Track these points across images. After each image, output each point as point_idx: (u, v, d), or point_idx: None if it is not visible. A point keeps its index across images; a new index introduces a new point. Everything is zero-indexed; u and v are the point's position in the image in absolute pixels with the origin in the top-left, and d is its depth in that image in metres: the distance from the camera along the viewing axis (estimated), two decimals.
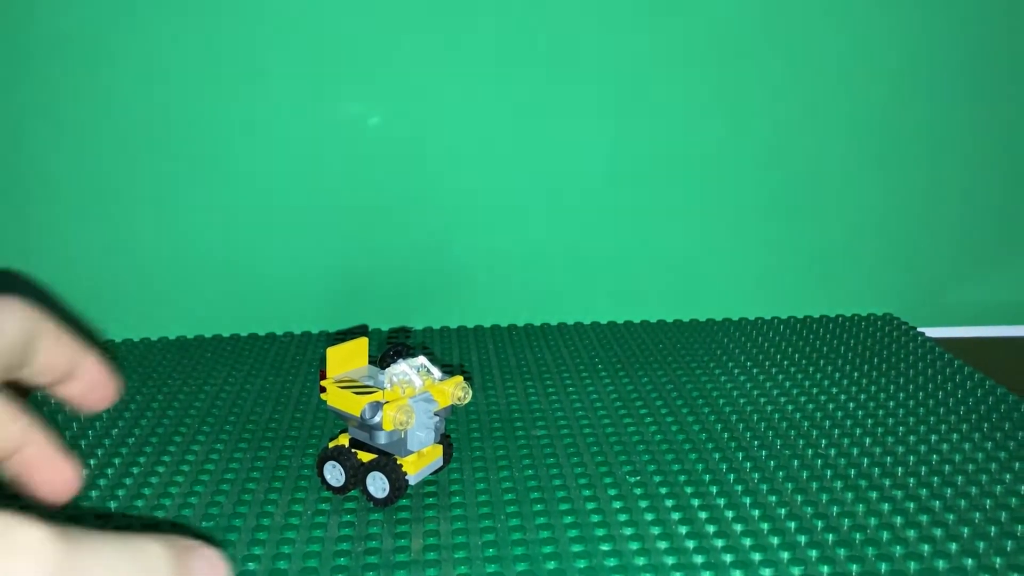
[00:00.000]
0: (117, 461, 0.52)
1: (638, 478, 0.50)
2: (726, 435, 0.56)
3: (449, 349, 0.71)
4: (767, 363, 0.68)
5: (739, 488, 0.49)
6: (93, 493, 0.49)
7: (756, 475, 0.50)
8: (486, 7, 0.71)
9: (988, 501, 0.48)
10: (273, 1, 0.69)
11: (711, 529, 0.45)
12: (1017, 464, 0.52)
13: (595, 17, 0.72)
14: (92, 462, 0.52)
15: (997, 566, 0.42)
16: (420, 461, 0.47)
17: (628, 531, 0.44)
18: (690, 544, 0.43)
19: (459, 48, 0.72)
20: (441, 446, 0.49)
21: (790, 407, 0.60)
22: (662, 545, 0.43)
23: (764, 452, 0.53)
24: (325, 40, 0.70)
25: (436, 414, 0.47)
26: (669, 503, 0.47)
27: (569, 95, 0.73)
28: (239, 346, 0.72)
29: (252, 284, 0.75)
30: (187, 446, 0.55)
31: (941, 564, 0.42)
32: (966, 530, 0.45)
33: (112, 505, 0.47)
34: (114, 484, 0.50)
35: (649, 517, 0.46)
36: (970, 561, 0.42)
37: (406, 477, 0.46)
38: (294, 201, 0.73)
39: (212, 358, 0.69)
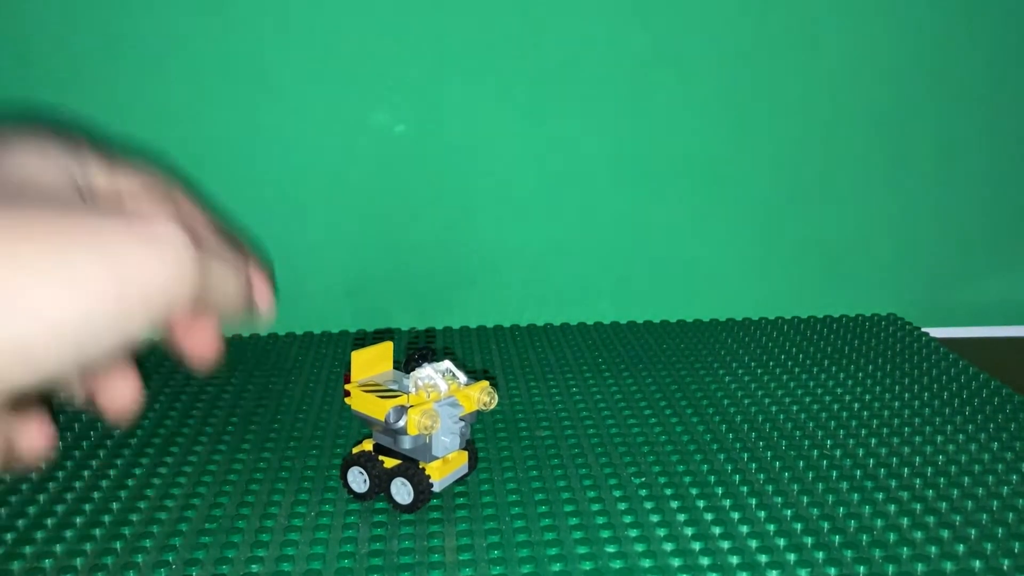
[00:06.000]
0: (120, 462, 0.52)
1: (643, 479, 0.50)
2: (731, 436, 0.55)
3: (452, 350, 0.71)
4: (771, 363, 0.68)
5: (745, 489, 0.49)
6: (96, 494, 0.48)
7: (762, 476, 0.50)
8: (490, 9, 0.70)
9: (995, 502, 0.47)
10: (289, 9, 0.69)
11: (717, 531, 0.44)
12: (1023, 465, 0.52)
13: (599, 17, 0.71)
14: (94, 463, 0.52)
15: (1005, 568, 0.42)
16: (445, 467, 0.47)
17: (633, 533, 0.44)
18: (696, 546, 0.43)
19: (463, 51, 0.71)
20: (466, 452, 0.48)
21: (795, 408, 0.60)
22: (668, 547, 0.43)
23: (769, 453, 0.53)
24: (339, 43, 0.70)
25: (461, 419, 0.46)
26: (675, 504, 0.47)
27: (572, 96, 0.73)
28: (241, 346, 0.72)
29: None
30: (189, 447, 0.54)
31: (948, 566, 0.41)
32: (973, 531, 0.44)
33: (115, 506, 0.47)
34: (117, 485, 0.49)
35: (655, 519, 0.46)
36: (978, 563, 0.42)
37: (431, 483, 0.46)
38: (293, 202, 0.73)
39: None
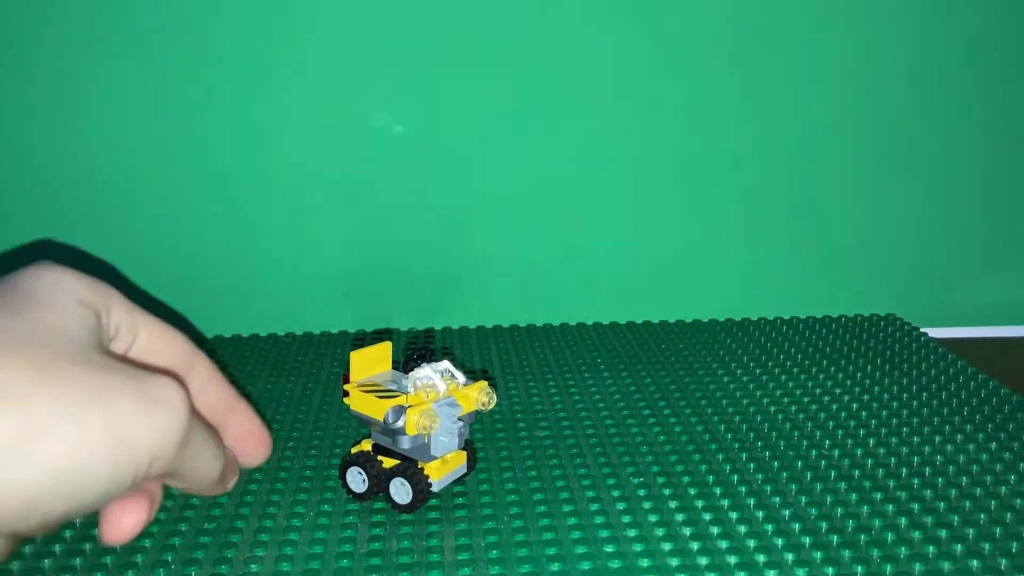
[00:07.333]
0: None
1: (642, 479, 0.50)
2: (729, 436, 0.55)
3: (451, 350, 0.71)
4: (770, 363, 0.68)
5: (743, 489, 0.49)
6: None
7: (760, 476, 0.50)
8: (490, 10, 0.71)
9: (993, 502, 0.47)
10: (289, 9, 0.69)
11: (715, 530, 0.45)
12: (1022, 465, 0.52)
13: (598, 17, 0.71)
14: None
15: (1002, 567, 0.42)
16: (444, 467, 0.47)
17: (632, 532, 0.44)
18: (694, 545, 0.43)
19: (463, 51, 0.71)
20: (465, 452, 0.48)
21: (793, 408, 0.60)
22: (666, 547, 0.43)
23: (768, 453, 0.53)
24: (339, 43, 0.70)
25: (460, 419, 0.47)
26: (673, 504, 0.47)
27: (573, 96, 0.73)
28: (240, 347, 0.72)
29: (254, 285, 0.75)
30: None
31: (946, 566, 0.42)
32: (971, 531, 0.45)
33: None
34: None
35: (653, 518, 0.46)
36: (975, 563, 0.42)
37: (429, 483, 0.46)
38: (293, 202, 0.73)
39: (213, 359, 0.69)
